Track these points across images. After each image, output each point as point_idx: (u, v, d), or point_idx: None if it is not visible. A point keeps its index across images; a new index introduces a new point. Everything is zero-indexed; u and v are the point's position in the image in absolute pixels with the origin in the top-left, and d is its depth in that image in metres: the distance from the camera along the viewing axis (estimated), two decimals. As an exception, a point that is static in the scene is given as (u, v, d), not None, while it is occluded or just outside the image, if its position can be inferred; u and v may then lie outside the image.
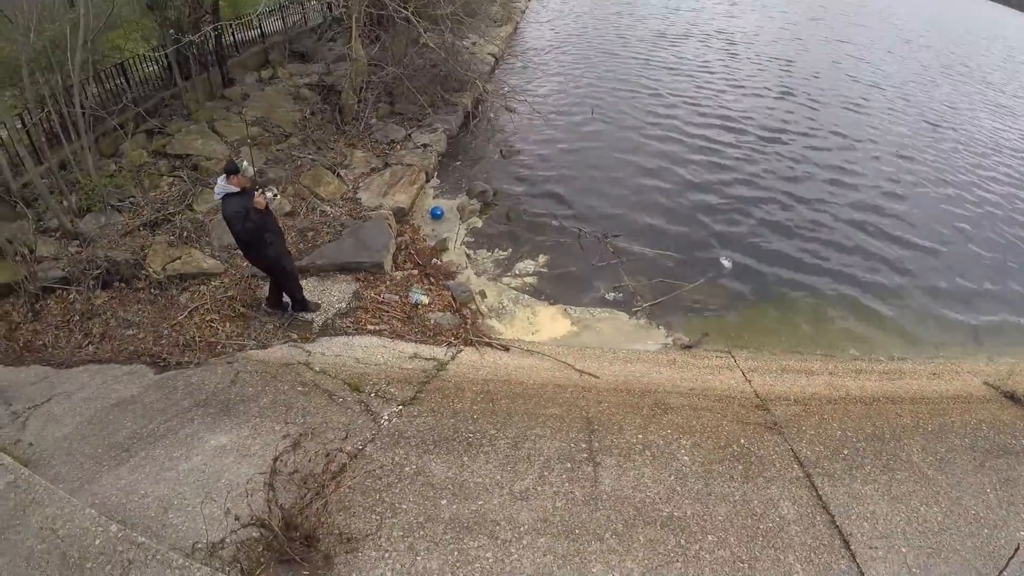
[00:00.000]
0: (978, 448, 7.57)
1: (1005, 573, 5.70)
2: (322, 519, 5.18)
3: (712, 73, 24.07)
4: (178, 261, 9.61)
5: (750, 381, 8.49)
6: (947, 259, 12.75)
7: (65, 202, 10.18)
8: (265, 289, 9.21)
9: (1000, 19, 68.73)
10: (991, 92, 27.99)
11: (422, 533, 5.47)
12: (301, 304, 8.83)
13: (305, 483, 5.50)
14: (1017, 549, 5.81)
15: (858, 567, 5.73)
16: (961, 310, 11.28)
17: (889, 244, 12.91)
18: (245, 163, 7.39)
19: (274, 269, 8.35)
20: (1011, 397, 8.74)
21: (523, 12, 34.49)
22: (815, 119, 19.72)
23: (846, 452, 7.19)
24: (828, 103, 21.68)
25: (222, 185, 7.39)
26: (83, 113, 10.59)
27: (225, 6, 16.63)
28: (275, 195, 7.68)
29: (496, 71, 22.66)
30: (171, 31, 13.60)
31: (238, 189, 7.41)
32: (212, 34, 14.72)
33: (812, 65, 27.21)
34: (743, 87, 22.54)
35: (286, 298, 8.87)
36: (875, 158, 17.09)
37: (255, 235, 7.57)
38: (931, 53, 35.84)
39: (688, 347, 9.45)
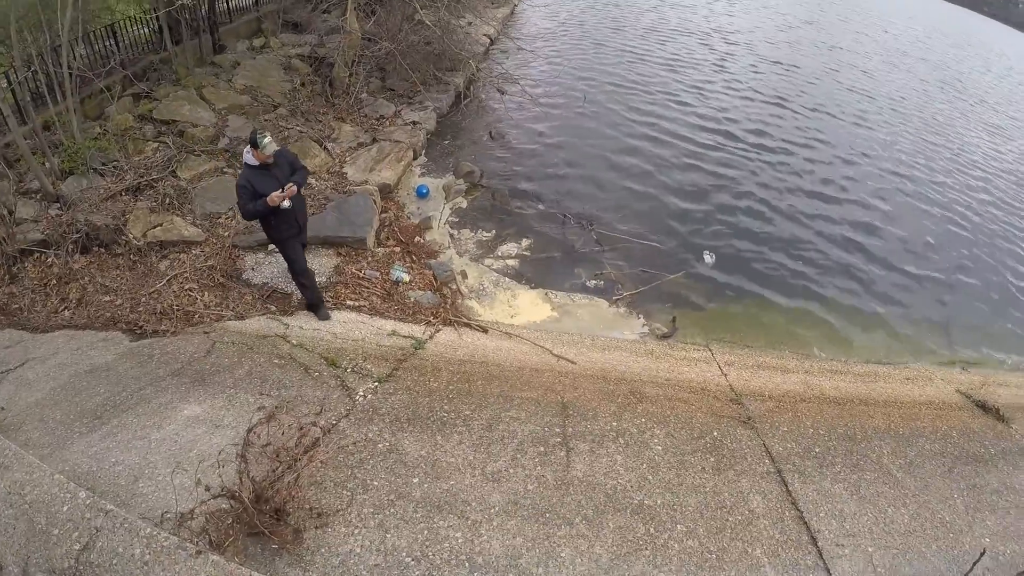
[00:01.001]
0: (947, 454, 7.66)
1: (969, 576, 5.78)
2: (293, 493, 5.15)
3: (706, 73, 23.91)
4: (159, 228, 9.52)
5: (726, 375, 8.54)
6: (930, 272, 12.89)
7: (47, 164, 10.04)
8: (247, 260, 9.17)
9: (1002, 38, 69.02)
10: (987, 112, 28.04)
11: (393, 510, 5.47)
12: (311, 305, 8.48)
13: (277, 456, 5.49)
14: (983, 553, 5.89)
15: (824, 564, 5.78)
16: (939, 320, 11.44)
17: (872, 254, 13.01)
18: (267, 138, 6.96)
19: (279, 250, 8.10)
20: (982, 406, 8.84)
21: (521, -6, 34.32)
22: (808, 128, 19.67)
23: (817, 450, 7.25)
24: (822, 112, 21.60)
25: (246, 154, 7.11)
26: (70, 74, 10.44)
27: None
28: (290, 204, 7.24)
29: (490, 53, 22.54)
30: (164, -6, 13.44)
31: (256, 163, 7.08)
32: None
33: (808, 71, 27.12)
34: (737, 90, 22.43)
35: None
36: (866, 171, 17.05)
37: (254, 215, 7.23)
38: (928, 66, 35.84)
39: (666, 337, 9.51)
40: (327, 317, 8.41)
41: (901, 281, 12.27)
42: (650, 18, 33.58)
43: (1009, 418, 8.65)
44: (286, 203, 7.10)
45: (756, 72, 25.39)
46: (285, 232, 7.63)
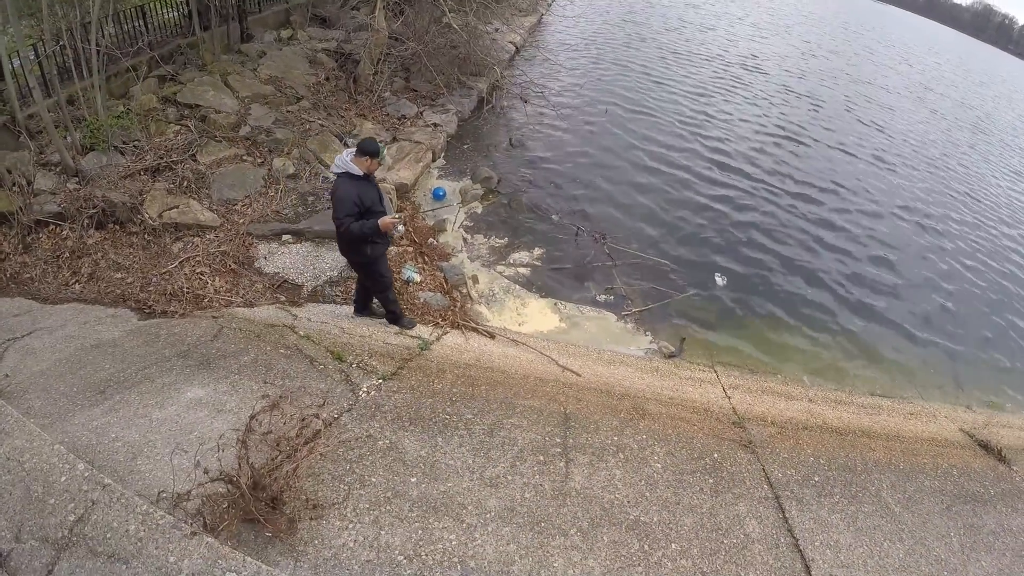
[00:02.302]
0: (947, 492, 7.60)
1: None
2: (291, 483, 5.12)
3: (725, 101, 23.79)
4: (175, 210, 9.56)
5: (730, 398, 8.51)
6: (940, 310, 12.86)
7: (69, 138, 10.09)
8: (260, 249, 9.17)
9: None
10: (1012, 156, 27.88)
11: (389, 508, 5.45)
12: (395, 317, 8.18)
13: (278, 445, 5.45)
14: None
15: (816, 593, 5.76)
16: (946, 357, 11.39)
17: (884, 289, 13.01)
18: (386, 150, 6.57)
19: (364, 271, 7.68)
20: (985, 446, 8.80)
21: (549, 5, 34.37)
22: (826, 162, 19.57)
23: (816, 479, 7.21)
24: (841, 148, 21.37)
25: (345, 160, 6.60)
26: (98, 51, 10.50)
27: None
28: (403, 231, 6.68)
29: (515, 60, 22.61)
30: (195, -21, 13.56)
31: (362, 173, 6.61)
32: (236, -13, 14.68)
33: (830, 104, 26.95)
34: (756, 119, 22.30)
35: (375, 304, 8.27)
36: (882, 209, 16.91)
37: (359, 237, 6.77)
38: (952, 104, 35.64)
39: (672, 356, 9.48)
40: (412, 325, 8.36)
41: (910, 318, 12.20)
42: (672, 39, 33.49)
43: (1011, 459, 8.60)
44: (400, 228, 6.86)
45: (777, 102, 25.23)
46: (382, 248, 7.21)
